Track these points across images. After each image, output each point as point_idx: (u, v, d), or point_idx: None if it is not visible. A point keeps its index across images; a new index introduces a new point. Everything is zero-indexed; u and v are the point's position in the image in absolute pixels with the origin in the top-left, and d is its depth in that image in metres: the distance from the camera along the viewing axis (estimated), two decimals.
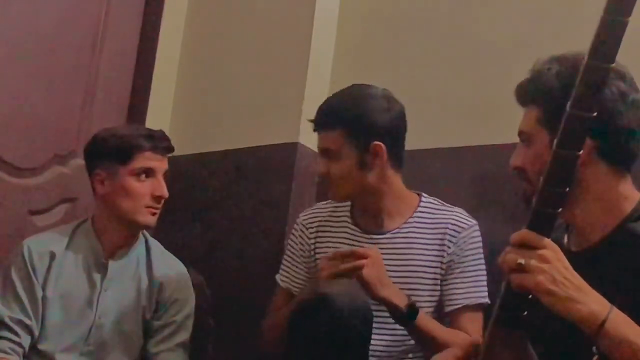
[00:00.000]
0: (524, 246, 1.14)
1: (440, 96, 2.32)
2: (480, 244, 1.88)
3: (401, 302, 1.70)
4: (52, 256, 1.96)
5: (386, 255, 1.81)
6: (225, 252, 2.59)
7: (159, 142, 2.00)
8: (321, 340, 1.58)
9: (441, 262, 1.84)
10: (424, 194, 1.95)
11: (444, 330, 1.79)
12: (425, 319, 1.75)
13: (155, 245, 2.10)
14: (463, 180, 2.20)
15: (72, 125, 2.70)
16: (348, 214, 1.96)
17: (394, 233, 1.88)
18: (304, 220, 2.02)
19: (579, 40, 1.16)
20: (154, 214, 1.98)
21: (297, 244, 2.01)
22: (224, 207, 2.64)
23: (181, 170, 2.77)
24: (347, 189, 1.86)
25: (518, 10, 2.21)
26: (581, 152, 1.10)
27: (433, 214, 1.90)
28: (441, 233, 1.86)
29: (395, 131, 1.86)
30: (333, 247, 1.89)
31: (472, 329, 1.80)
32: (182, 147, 2.77)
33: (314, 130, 1.90)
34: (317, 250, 1.96)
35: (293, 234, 2.03)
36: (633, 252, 1.24)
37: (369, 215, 1.91)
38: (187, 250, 2.52)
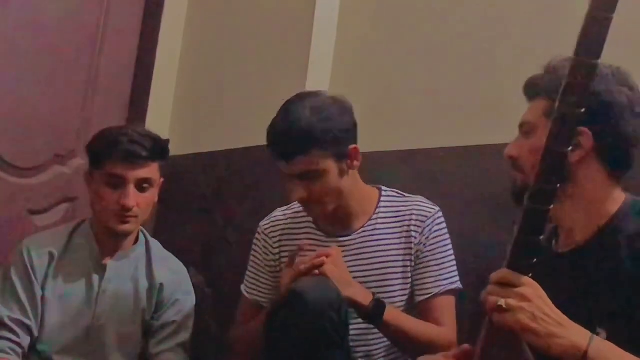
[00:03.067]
0: (504, 284, 1.16)
1: (441, 96, 2.32)
2: (445, 229, 1.87)
3: (366, 299, 1.69)
4: (51, 256, 1.95)
5: (355, 254, 1.81)
6: (225, 252, 2.59)
7: (131, 151, 1.90)
8: (299, 336, 1.57)
9: (410, 254, 1.83)
10: (383, 187, 1.93)
11: (416, 323, 1.78)
12: (395, 314, 1.73)
13: (156, 246, 2.09)
14: (464, 180, 2.19)
15: (72, 125, 2.70)
16: (311, 219, 1.91)
17: (359, 233, 1.86)
18: (266, 229, 1.96)
19: None
20: (124, 222, 1.93)
21: (261, 254, 1.95)
22: (224, 207, 2.64)
23: (181, 170, 2.77)
24: (332, 203, 1.80)
25: (522, 10, 2.20)
26: (570, 149, 1.12)
27: (395, 206, 1.89)
28: (406, 225, 1.85)
29: (356, 128, 1.84)
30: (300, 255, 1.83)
31: (445, 317, 1.79)
32: (182, 147, 2.78)
33: (285, 160, 1.76)
34: (282, 259, 1.91)
35: (256, 244, 1.97)
36: (616, 250, 1.26)
37: (335, 219, 1.86)
38: (187, 250, 2.52)
